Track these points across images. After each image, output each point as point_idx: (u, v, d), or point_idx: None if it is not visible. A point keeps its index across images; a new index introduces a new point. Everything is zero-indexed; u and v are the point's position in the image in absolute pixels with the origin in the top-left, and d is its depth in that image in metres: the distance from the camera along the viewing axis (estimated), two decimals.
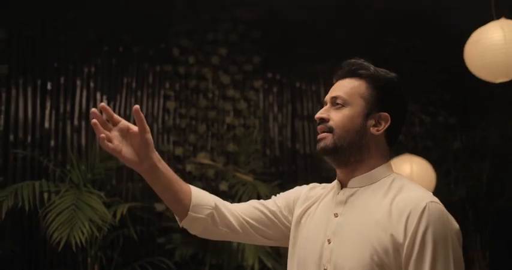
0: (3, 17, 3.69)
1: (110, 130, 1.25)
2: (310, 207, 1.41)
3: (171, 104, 4.13)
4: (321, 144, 1.30)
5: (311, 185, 1.51)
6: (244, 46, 4.38)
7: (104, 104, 1.26)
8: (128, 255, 3.57)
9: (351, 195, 1.31)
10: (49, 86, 3.83)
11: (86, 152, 3.58)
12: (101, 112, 1.26)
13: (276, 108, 4.48)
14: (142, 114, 1.23)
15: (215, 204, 1.39)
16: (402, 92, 1.35)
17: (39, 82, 3.81)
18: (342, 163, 1.31)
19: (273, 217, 1.45)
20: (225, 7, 4.34)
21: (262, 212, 1.45)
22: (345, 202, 1.31)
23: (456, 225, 1.21)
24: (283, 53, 4.49)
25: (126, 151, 1.25)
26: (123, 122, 1.26)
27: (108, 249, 3.47)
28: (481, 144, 4.59)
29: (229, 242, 3.33)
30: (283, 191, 1.53)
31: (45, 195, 3.08)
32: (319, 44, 4.53)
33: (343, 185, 1.35)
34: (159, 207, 3.84)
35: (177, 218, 1.40)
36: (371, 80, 1.31)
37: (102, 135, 1.22)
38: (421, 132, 4.88)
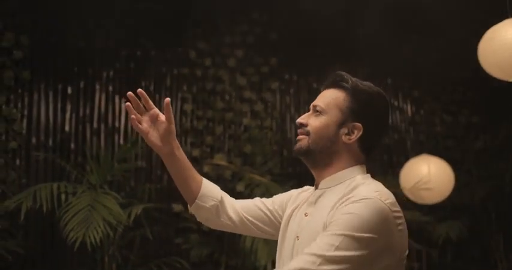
0: (25, 25, 3.82)
1: (141, 114, 1.48)
2: (295, 209, 1.52)
3: (188, 106, 4.19)
4: (297, 145, 1.44)
5: (303, 188, 1.63)
6: (261, 48, 4.41)
7: (141, 90, 1.48)
8: (144, 255, 3.64)
9: (320, 196, 1.42)
10: (69, 90, 3.94)
11: (105, 154, 3.66)
12: (138, 97, 1.48)
13: (293, 109, 4.49)
14: (171, 107, 1.45)
15: (221, 198, 1.58)
16: (381, 106, 1.43)
17: (60, 86, 3.93)
18: (313, 165, 1.44)
19: (270, 215, 1.61)
20: (242, 9, 4.37)
21: (261, 210, 1.61)
22: (315, 203, 1.42)
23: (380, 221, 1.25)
24: (300, 54, 4.50)
25: (152, 134, 1.47)
26: (155, 110, 1.47)
27: (125, 249, 3.55)
28: (503, 143, 4.50)
29: (244, 243, 3.37)
30: None
31: (63, 196, 3.17)
32: (336, 45, 4.52)
33: (316, 187, 1.46)
34: (176, 208, 3.91)
35: (188, 205, 1.59)
36: (350, 92, 1.41)
37: (133, 116, 1.45)
38: (441, 132, 4.82)
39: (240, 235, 3.48)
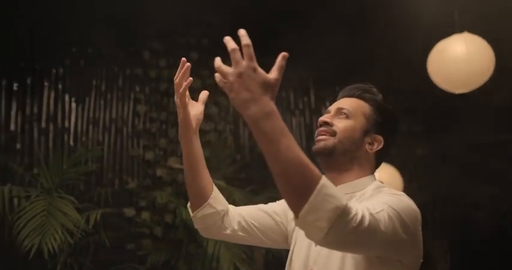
0: None
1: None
2: None
3: (141, 108, 4.06)
4: (321, 144, 1.37)
5: None
6: (216, 50, 4.36)
7: (185, 59, 1.42)
8: (99, 262, 3.48)
9: None
10: (15, 87, 3.70)
11: (54, 156, 3.47)
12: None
13: None
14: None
15: (228, 205, 1.52)
16: (397, 125, 1.46)
17: (4, 82, 3.68)
18: (333, 167, 1.38)
19: (278, 219, 1.53)
20: (197, 11, 4.31)
21: (269, 215, 1.53)
22: None
23: (414, 207, 1.24)
24: (256, 59, 4.49)
25: (189, 109, 1.45)
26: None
27: (78, 255, 3.37)
28: (443, 151, 4.74)
29: (204, 249, 3.31)
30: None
31: (15, 201, 2.96)
32: (292, 50, 4.56)
33: None
34: (128, 212, 3.77)
35: (189, 209, 1.50)
36: (375, 106, 1.43)
37: (190, 79, 1.45)
38: None
39: (198, 240, 3.42)
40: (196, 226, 1.52)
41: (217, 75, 1.08)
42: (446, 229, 4.62)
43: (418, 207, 1.26)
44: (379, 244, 1.13)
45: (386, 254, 1.20)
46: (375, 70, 4.85)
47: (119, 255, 3.64)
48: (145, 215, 3.79)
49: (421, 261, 1.30)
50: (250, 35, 1.06)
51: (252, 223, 1.51)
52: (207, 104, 4.63)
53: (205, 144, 4.10)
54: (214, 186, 1.50)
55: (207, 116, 4.35)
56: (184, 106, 1.43)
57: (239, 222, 1.50)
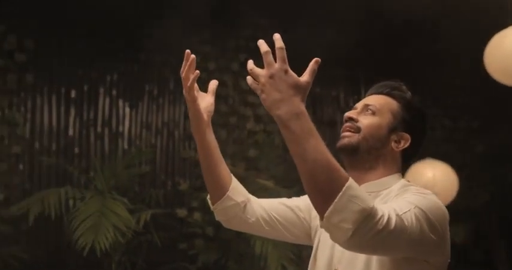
0: (29, 27, 3.77)
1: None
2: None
3: None
4: (345, 140, 1.35)
5: None
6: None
7: (189, 51, 1.35)
8: (151, 261, 3.60)
9: None
10: (73, 94, 3.91)
11: (109, 159, 3.63)
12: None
13: None
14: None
15: (249, 195, 1.50)
16: (426, 124, 1.43)
17: (63, 90, 3.89)
18: (357, 165, 1.35)
19: (300, 216, 1.50)
20: (245, 14, 4.36)
21: (292, 209, 1.50)
22: None
23: (440, 204, 1.22)
24: (303, 60, 4.48)
25: (198, 103, 1.40)
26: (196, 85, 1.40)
27: (131, 254, 3.51)
28: (503, 148, 4.54)
29: (254, 247, 3.34)
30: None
31: (71, 202, 3.13)
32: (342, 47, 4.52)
33: None
34: (180, 213, 3.88)
35: (209, 201, 1.48)
36: (403, 103, 1.39)
37: (197, 72, 1.36)
38: (442, 137, 4.84)
39: (247, 240, 3.47)
40: (217, 218, 1.51)
41: (249, 77, 1.11)
42: (508, 229, 4.41)
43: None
44: (405, 246, 1.12)
45: (412, 255, 1.18)
46: (429, 66, 4.73)
47: (171, 254, 3.75)
48: (197, 215, 3.88)
49: (449, 261, 1.27)
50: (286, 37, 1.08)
51: (274, 217, 1.49)
52: (256, 105, 4.69)
53: (253, 144, 4.17)
54: (233, 177, 1.48)
55: (256, 117, 4.41)
56: (194, 100, 1.39)
57: (261, 215, 1.48)
